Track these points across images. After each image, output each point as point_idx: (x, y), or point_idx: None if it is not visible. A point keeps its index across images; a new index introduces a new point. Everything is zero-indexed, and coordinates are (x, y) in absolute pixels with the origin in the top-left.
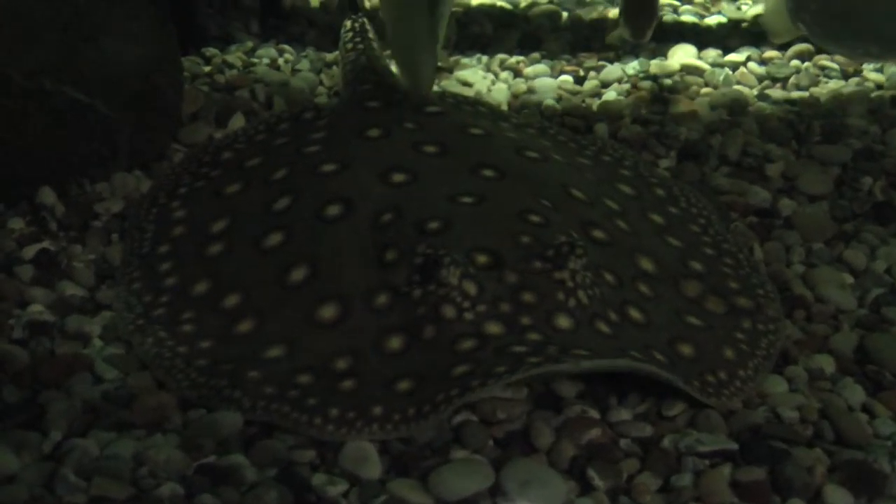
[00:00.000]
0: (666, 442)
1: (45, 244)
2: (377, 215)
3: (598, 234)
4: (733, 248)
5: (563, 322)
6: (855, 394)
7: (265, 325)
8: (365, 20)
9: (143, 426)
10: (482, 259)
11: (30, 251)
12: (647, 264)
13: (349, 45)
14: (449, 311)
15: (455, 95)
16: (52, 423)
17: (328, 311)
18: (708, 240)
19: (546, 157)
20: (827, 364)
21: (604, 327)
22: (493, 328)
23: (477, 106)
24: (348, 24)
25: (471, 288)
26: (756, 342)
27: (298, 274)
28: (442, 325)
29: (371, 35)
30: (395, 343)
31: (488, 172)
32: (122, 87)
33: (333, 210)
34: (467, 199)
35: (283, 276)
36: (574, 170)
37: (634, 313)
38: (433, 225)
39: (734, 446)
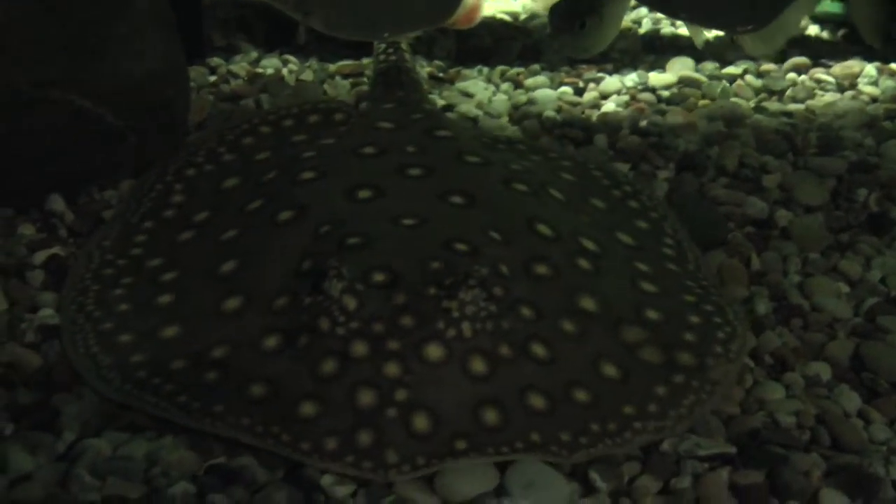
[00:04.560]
0: (666, 445)
1: (55, 250)
2: (319, 225)
3: (540, 269)
4: (718, 297)
5: (433, 352)
6: (851, 400)
7: (189, 326)
8: None
9: (154, 428)
10: (379, 277)
11: (40, 256)
12: (587, 303)
13: (381, 57)
14: (324, 324)
15: (485, 133)
16: (66, 424)
17: (232, 303)
18: (693, 286)
19: (536, 192)
20: (823, 371)
21: (478, 366)
22: (359, 348)
23: (497, 138)
24: None
25: (350, 303)
26: (676, 400)
27: (228, 266)
28: (314, 336)
29: (404, 46)
30: (272, 342)
31: (456, 199)
32: (131, 97)
33: (286, 214)
34: (408, 221)
35: (215, 269)
36: (562, 210)
37: (538, 349)
38: (353, 241)
39: (733, 450)
